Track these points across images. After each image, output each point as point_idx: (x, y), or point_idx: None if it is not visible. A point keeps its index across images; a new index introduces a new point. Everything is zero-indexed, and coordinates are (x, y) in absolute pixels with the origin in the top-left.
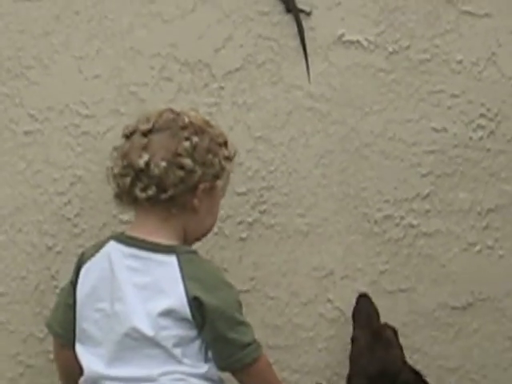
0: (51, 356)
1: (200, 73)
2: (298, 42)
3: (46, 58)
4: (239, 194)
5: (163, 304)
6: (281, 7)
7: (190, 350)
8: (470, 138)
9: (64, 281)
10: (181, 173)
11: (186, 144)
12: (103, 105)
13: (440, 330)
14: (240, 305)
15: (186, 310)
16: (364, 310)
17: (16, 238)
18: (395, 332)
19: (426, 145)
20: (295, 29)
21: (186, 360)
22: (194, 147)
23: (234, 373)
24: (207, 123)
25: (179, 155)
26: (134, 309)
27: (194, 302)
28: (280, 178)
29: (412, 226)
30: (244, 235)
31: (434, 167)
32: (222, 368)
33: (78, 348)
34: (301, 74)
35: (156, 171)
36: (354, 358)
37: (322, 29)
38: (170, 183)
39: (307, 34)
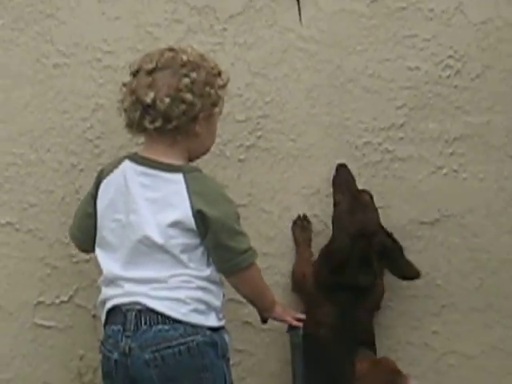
0: (74, 259)
1: (206, 16)
2: None
3: (71, 2)
4: (239, 122)
5: (171, 216)
6: None
7: (195, 256)
8: (440, 76)
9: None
10: (183, 106)
11: (186, 80)
12: (122, 42)
13: (411, 241)
14: (238, 217)
15: (191, 221)
16: (343, 177)
17: (45, 157)
18: (371, 197)
19: (401, 81)
20: None
21: (191, 264)
22: (193, 82)
23: (229, 276)
24: (202, 57)
25: (180, 91)
26: (146, 220)
27: (198, 215)
28: (274, 108)
29: (388, 151)
30: (242, 157)
31: (408, 101)
32: (221, 271)
33: (98, 252)
34: (293, 18)
35: (161, 106)
36: (336, 220)
37: None
38: (174, 115)
39: None
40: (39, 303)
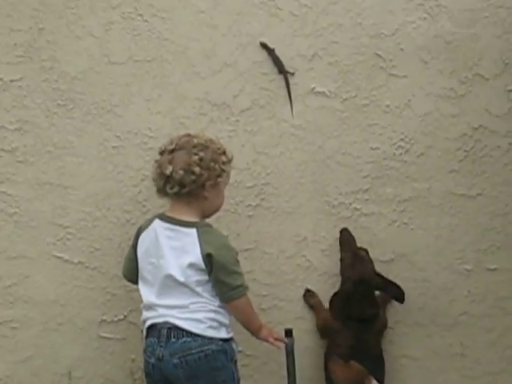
0: (128, 288)
1: (224, 111)
2: (285, 91)
3: (126, 101)
4: (247, 187)
5: (188, 259)
6: (275, 69)
7: (206, 288)
8: (394, 154)
9: None
10: (193, 176)
11: (195, 157)
12: (162, 130)
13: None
14: (236, 260)
15: (201, 263)
16: (346, 238)
17: (106, 214)
18: (367, 252)
19: (365, 158)
20: (284, 83)
21: (204, 294)
22: (201, 159)
23: (226, 304)
24: (211, 140)
25: (191, 165)
26: (170, 263)
27: (207, 258)
28: (273, 178)
29: (356, 209)
30: (250, 214)
31: (371, 172)
32: (220, 300)
33: (140, 285)
34: (287, 112)
35: (177, 176)
36: (342, 271)
37: (301, 83)
38: (187, 183)
39: (291, 87)
40: (102, 321)
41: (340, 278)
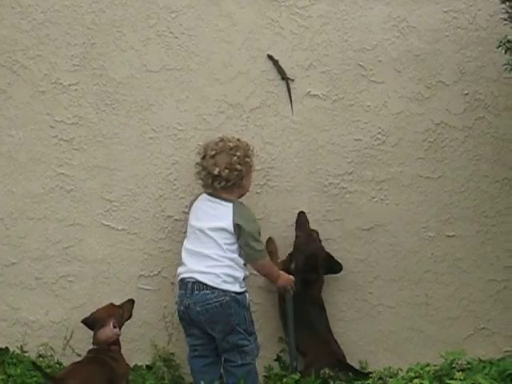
0: (161, 250)
1: (238, 109)
2: (287, 94)
3: (160, 102)
4: (256, 170)
5: (221, 224)
6: (279, 77)
7: (230, 248)
8: (373, 144)
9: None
10: (236, 172)
11: (235, 158)
12: (189, 125)
13: (356, 241)
14: (259, 231)
15: (231, 229)
16: (302, 220)
17: (144, 190)
18: (318, 233)
19: (350, 147)
20: (286, 87)
21: (228, 253)
22: (238, 157)
23: (250, 263)
24: (239, 141)
25: (233, 164)
26: (208, 224)
27: (237, 226)
28: (277, 163)
29: (343, 188)
30: (259, 191)
31: (355, 158)
32: (245, 260)
33: (184, 242)
34: (288, 110)
35: (224, 174)
36: (296, 247)
37: (299, 88)
38: (232, 179)
39: (292, 91)
40: (141, 275)
41: None
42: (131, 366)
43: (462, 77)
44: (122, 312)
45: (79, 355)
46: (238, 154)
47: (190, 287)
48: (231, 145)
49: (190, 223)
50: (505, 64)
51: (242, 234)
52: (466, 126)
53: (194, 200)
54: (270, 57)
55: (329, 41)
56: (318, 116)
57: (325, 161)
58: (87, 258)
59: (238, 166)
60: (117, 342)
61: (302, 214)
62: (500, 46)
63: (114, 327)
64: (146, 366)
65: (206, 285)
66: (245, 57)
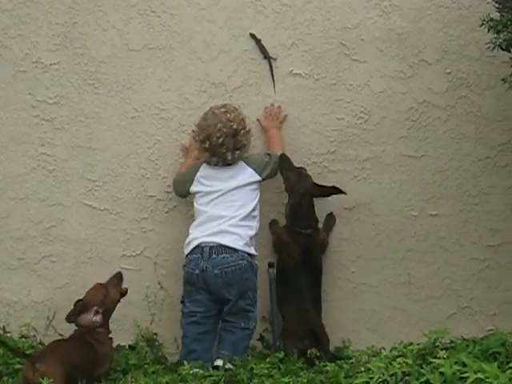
0: (143, 230)
1: (220, 88)
2: (269, 73)
3: (141, 81)
4: None
5: (244, 179)
6: (261, 56)
7: (256, 201)
8: (355, 123)
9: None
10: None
11: (242, 138)
12: (171, 104)
13: (339, 220)
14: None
15: (256, 177)
16: (286, 160)
17: (126, 170)
18: (305, 170)
19: (332, 126)
20: (268, 67)
21: (252, 210)
22: (243, 134)
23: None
24: (228, 111)
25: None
26: (230, 184)
27: (256, 169)
28: (259, 142)
29: (325, 167)
30: None
31: (337, 137)
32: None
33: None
34: (271, 90)
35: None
36: (291, 187)
37: (281, 67)
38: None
39: (274, 70)
40: (123, 255)
41: None
42: (114, 345)
43: (445, 55)
44: (106, 291)
45: (62, 335)
46: (242, 131)
47: (208, 251)
48: (235, 126)
49: (203, 190)
50: (487, 43)
51: (261, 171)
52: (448, 104)
53: (196, 171)
54: (252, 35)
55: (311, 19)
56: (301, 95)
57: (307, 140)
58: (69, 238)
59: (246, 142)
60: (103, 325)
61: (283, 155)
62: (483, 24)
63: (96, 314)
64: (129, 345)
65: (225, 247)
66: (227, 36)
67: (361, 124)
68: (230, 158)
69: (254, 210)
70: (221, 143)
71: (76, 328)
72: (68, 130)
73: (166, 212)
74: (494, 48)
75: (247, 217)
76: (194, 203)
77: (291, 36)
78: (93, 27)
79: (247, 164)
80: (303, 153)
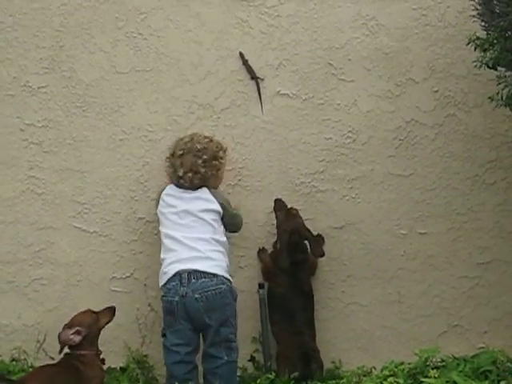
0: (133, 252)
1: (208, 110)
2: (257, 94)
3: (129, 103)
4: (227, 170)
5: (210, 206)
6: (248, 76)
7: (221, 230)
8: (344, 143)
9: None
10: (199, 175)
11: (200, 161)
12: (159, 126)
13: (328, 239)
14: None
15: (219, 209)
16: (279, 203)
17: (115, 192)
18: (297, 210)
19: (321, 146)
20: (256, 87)
21: (219, 236)
22: (204, 161)
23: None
24: (211, 141)
25: (198, 167)
26: (197, 206)
27: (221, 205)
28: (248, 162)
29: (314, 187)
30: (230, 191)
31: (326, 157)
32: (236, 229)
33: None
34: (258, 110)
35: (187, 177)
36: (279, 225)
37: (269, 87)
38: (196, 180)
39: (262, 90)
40: (113, 278)
41: None
42: (105, 368)
43: (432, 74)
44: (96, 318)
45: (52, 358)
46: (204, 157)
47: (186, 277)
48: (199, 147)
49: (168, 211)
50: (474, 61)
51: (225, 210)
52: (436, 123)
53: (162, 190)
54: (241, 54)
55: (298, 40)
56: (289, 115)
57: (296, 160)
58: (59, 261)
59: (202, 170)
60: (89, 348)
61: (278, 200)
62: (469, 43)
63: (75, 334)
64: (120, 368)
65: (204, 272)
66: (214, 57)
67: (349, 143)
68: (189, 177)
69: (222, 235)
70: (180, 155)
71: (65, 353)
72: (57, 153)
73: (156, 234)
74: (480, 66)
75: (218, 242)
76: (160, 227)
77: (278, 56)
78: (80, 50)
79: (213, 195)
80: (291, 173)
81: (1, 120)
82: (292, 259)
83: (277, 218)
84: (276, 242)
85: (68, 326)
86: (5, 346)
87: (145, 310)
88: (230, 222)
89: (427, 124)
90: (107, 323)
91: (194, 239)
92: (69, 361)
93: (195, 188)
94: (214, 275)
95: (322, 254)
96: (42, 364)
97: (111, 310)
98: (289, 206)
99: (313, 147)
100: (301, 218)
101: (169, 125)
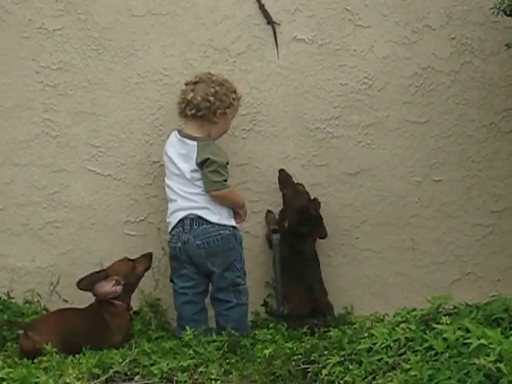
0: (147, 196)
1: (224, 54)
2: (273, 39)
3: (145, 47)
4: (242, 115)
5: (192, 165)
6: (265, 21)
7: (199, 179)
8: (359, 89)
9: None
10: (207, 103)
11: (212, 90)
12: (175, 70)
13: (342, 186)
14: (224, 166)
15: (197, 167)
16: (284, 177)
17: (130, 136)
18: (303, 186)
19: (336, 91)
20: (272, 32)
21: (197, 183)
22: (216, 92)
23: (211, 193)
24: (225, 80)
25: (208, 95)
26: (179, 165)
27: (200, 164)
28: (263, 107)
29: (329, 133)
30: (245, 136)
31: (341, 103)
32: (205, 189)
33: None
34: (274, 55)
35: (195, 102)
36: (286, 204)
37: (285, 32)
38: (202, 108)
39: (278, 35)
40: (127, 221)
41: None
42: None
43: (449, 21)
44: (133, 266)
45: (66, 301)
46: (217, 88)
47: (189, 223)
48: (215, 78)
49: (167, 159)
50: (491, 8)
51: (205, 164)
52: (452, 70)
53: (169, 136)
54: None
55: None
56: (304, 60)
57: (311, 105)
58: (73, 204)
59: (212, 99)
60: (123, 298)
61: (282, 172)
62: None
63: (116, 285)
64: (134, 311)
65: (205, 220)
66: (231, 1)
67: (364, 90)
68: (196, 102)
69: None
70: (194, 82)
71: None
72: (71, 96)
73: None
74: (498, 13)
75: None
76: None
77: (295, 1)
78: None
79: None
80: (306, 118)
81: (16, 62)
82: (298, 237)
83: (284, 195)
84: (282, 219)
85: (104, 276)
86: (18, 288)
87: (158, 254)
88: (204, 179)
89: (443, 71)
90: (145, 271)
91: (191, 193)
92: (95, 308)
93: (197, 126)
94: (215, 223)
95: (325, 236)
96: (55, 307)
97: (148, 257)
98: (297, 172)
99: (328, 93)
100: (308, 193)
101: (184, 69)
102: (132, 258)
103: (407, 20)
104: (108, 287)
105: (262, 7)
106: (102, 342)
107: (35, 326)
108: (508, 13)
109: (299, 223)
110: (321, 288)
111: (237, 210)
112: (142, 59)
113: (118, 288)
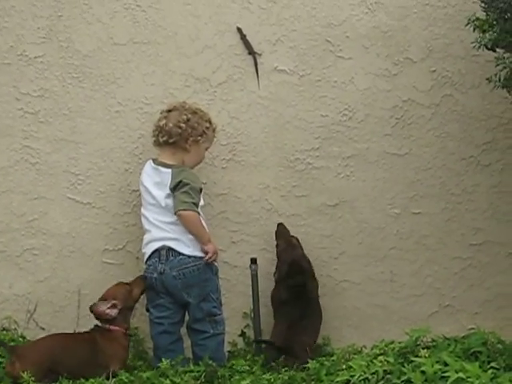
0: (126, 224)
1: (204, 84)
2: (254, 69)
3: (126, 75)
4: (222, 145)
5: (166, 192)
6: (246, 51)
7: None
8: (340, 120)
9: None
10: (179, 130)
11: (184, 117)
12: (155, 98)
13: (321, 216)
14: (197, 190)
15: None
16: (281, 231)
17: (110, 164)
18: (298, 240)
19: (317, 123)
20: (253, 62)
21: (172, 211)
22: (188, 119)
23: (178, 214)
24: (199, 109)
25: (179, 122)
26: (154, 193)
27: (176, 185)
28: (243, 137)
29: (309, 164)
30: (224, 166)
31: (322, 134)
32: (174, 211)
33: (142, 211)
34: (255, 86)
35: (167, 128)
36: (279, 255)
37: (266, 63)
38: (174, 135)
39: (259, 66)
40: (105, 249)
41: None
42: None
43: (430, 54)
44: (129, 289)
45: (43, 329)
46: (189, 115)
47: (165, 254)
48: (188, 107)
49: (142, 189)
50: (473, 42)
51: (178, 187)
52: (432, 103)
53: (144, 167)
54: (238, 29)
55: (296, 16)
56: (285, 91)
57: (291, 136)
58: (52, 232)
59: (183, 125)
60: (120, 323)
61: (280, 225)
62: (468, 23)
63: (112, 308)
64: None
65: (178, 252)
66: (212, 31)
67: (345, 121)
68: (168, 129)
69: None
70: (168, 110)
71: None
72: (52, 123)
73: None
74: (479, 47)
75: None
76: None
77: (276, 32)
78: (78, 20)
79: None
80: (286, 149)
81: None
82: (290, 289)
83: (277, 246)
84: (275, 271)
85: (102, 298)
86: None
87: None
88: (174, 199)
89: (424, 104)
90: (142, 294)
91: (165, 223)
92: (90, 334)
93: (170, 153)
94: (190, 255)
95: (317, 297)
96: (32, 334)
97: (143, 279)
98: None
99: (309, 124)
100: (301, 248)
101: (165, 98)
102: (126, 282)
103: (388, 52)
104: (104, 308)
105: (243, 37)
106: (95, 369)
107: (22, 351)
108: (489, 47)
109: (289, 276)
110: (304, 326)
111: (202, 246)
112: (123, 87)
113: (113, 312)
